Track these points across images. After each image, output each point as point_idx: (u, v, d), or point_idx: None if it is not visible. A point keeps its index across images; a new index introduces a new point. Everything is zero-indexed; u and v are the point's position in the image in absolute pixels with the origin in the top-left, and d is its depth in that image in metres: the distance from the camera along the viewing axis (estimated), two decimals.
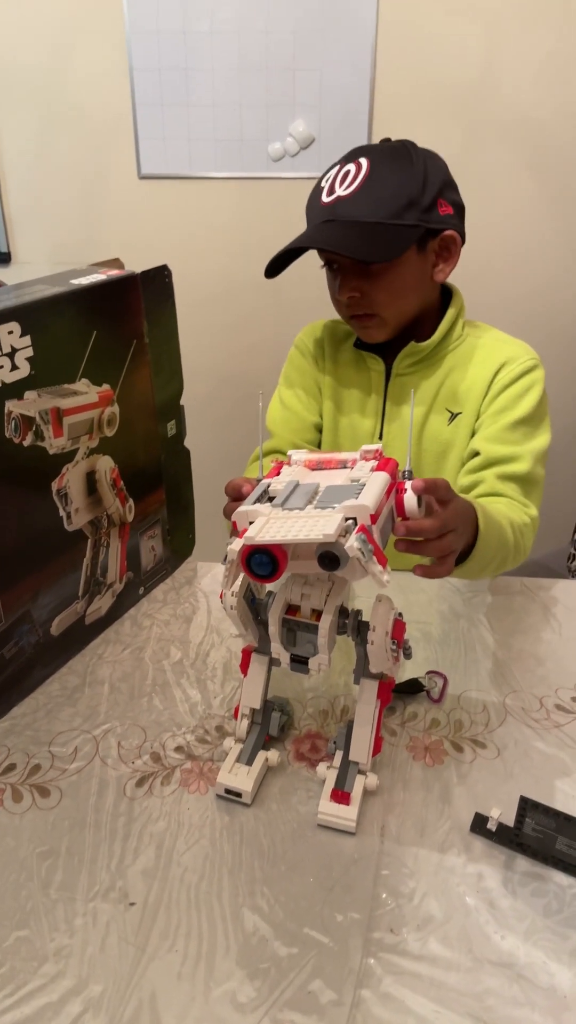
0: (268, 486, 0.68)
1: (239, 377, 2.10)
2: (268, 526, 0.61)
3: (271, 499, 0.66)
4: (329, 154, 1.86)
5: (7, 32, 1.80)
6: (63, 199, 1.96)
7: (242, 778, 0.77)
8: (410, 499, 0.68)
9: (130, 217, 1.97)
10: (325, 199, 0.97)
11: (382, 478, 0.66)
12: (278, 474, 0.71)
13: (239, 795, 0.77)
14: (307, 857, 0.72)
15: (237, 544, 0.62)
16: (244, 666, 0.81)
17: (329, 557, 0.59)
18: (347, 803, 0.75)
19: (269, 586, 0.77)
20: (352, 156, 0.97)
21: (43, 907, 0.68)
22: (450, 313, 1.07)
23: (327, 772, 0.78)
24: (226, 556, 0.63)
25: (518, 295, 1.91)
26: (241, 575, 0.72)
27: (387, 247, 0.95)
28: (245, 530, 0.63)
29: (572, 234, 1.94)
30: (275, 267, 1.04)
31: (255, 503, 0.65)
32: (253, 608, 0.77)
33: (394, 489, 0.68)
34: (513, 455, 1.03)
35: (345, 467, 0.71)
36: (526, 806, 0.70)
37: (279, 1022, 0.60)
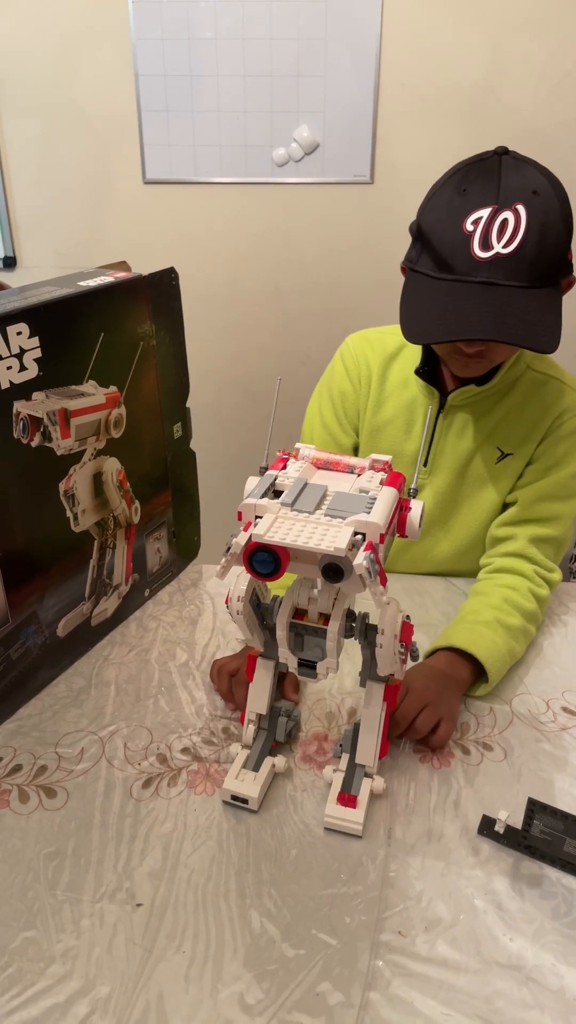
0: (275, 479, 0.68)
1: (244, 382, 2.10)
2: (277, 526, 0.61)
3: (277, 493, 0.66)
4: (334, 160, 1.87)
5: (13, 38, 1.81)
6: (68, 204, 1.96)
7: (248, 784, 0.77)
8: (412, 519, 0.68)
9: (135, 222, 1.97)
10: (480, 253, 0.84)
11: (391, 495, 0.66)
12: (284, 466, 0.70)
13: (245, 802, 0.76)
14: (314, 859, 0.72)
15: (242, 538, 0.61)
16: (250, 671, 0.81)
17: (333, 569, 0.59)
18: (354, 806, 0.74)
19: (274, 591, 0.78)
20: (503, 196, 0.84)
21: (50, 908, 0.68)
22: (513, 354, 1.00)
23: (333, 775, 0.78)
24: (228, 547, 0.63)
25: None
26: (246, 578, 0.72)
27: (554, 327, 0.86)
28: (250, 523, 0.63)
29: None
30: (428, 338, 0.94)
31: (262, 496, 0.65)
32: (258, 613, 0.76)
33: (399, 507, 0.68)
34: (552, 516, 1.03)
35: (353, 472, 0.71)
36: (534, 808, 0.70)
37: None
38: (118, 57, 1.81)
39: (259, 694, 0.80)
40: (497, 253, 0.84)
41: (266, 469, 0.70)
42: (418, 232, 0.92)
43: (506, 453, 1.04)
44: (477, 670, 0.90)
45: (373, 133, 1.85)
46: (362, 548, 0.60)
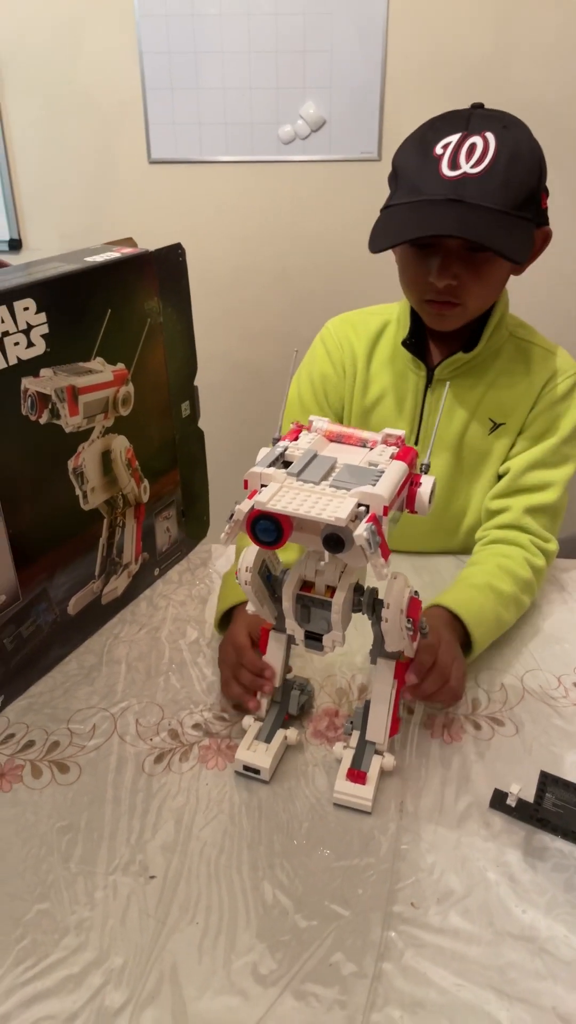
0: (285, 449, 0.67)
1: (250, 362, 2.09)
2: (280, 495, 0.61)
3: (286, 464, 0.66)
4: (340, 136, 1.85)
5: (17, 17, 1.79)
6: (73, 185, 1.95)
7: (260, 755, 0.77)
8: (423, 494, 0.67)
9: (140, 202, 1.96)
10: (448, 172, 0.85)
11: (400, 468, 0.65)
12: (296, 438, 0.70)
13: (257, 772, 0.77)
14: (326, 832, 0.72)
15: (246, 505, 0.61)
16: (263, 644, 0.81)
17: (335, 539, 0.58)
18: (363, 782, 0.74)
19: (283, 561, 0.77)
20: (472, 125, 0.86)
21: (64, 880, 0.68)
22: (495, 315, 1.00)
23: (344, 752, 0.78)
24: (232, 515, 0.63)
25: (534, 287, 1.89)
26: (255, 549, 0.71)
27: (521, 244, 0.87)
28: (255, 492, 0.62)
29: None
30: (388, 242, 0.91)
31: (270, 465, 0.65)
32: (269, 585, 0.76)
33: (409, 481, 0.67)
34: (544, 483, 1.02)
35: (365, 446, 0.70)
36: (546, 781, 0.69)
37: (301, 993, 0.60)
38: (122, 34, 1.79)
39: (273, 667, 0.80)
40: (465, 172, 0.85)
41: (277, 439, 0.69)
42: (392, 173, 0.94)
43: (498, 423, 1.04)
44: (464, 632, 0.89)
45: (380, 109, 1.82)
46: (365, 519, 0.59)
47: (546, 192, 0.92)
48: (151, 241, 0.98)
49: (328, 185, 1.90)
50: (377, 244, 0.89)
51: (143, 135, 1.89)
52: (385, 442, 0.69)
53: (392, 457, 0.67)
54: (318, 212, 1.93)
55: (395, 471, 0.64)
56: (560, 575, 1.10)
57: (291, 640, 0.79)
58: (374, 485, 0.61)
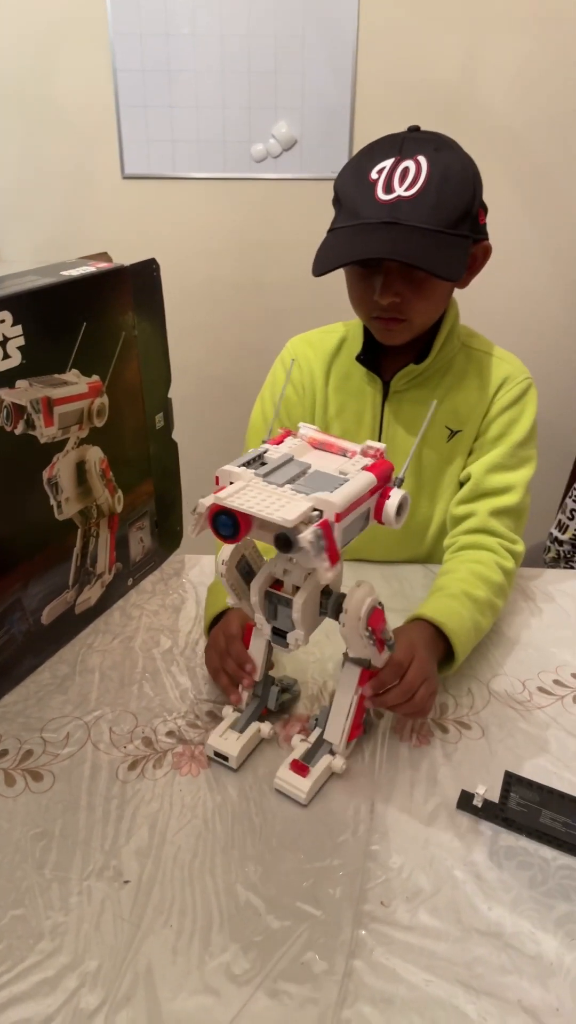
0: (266, 451, 0.70)
1: (224, 376, 2.11)
2: (241, 493, 0.63)
3: (263, 464, 0.68)
4: (311, 156, 1.89)
5: None
6: (47, 199, 1.96)
7: (231, 743, 0.80)
8: (389, 507, 0.69)
9: (114, 217, 1.98)
10: (383, 196, 0.89)
11: (366, 479, 0.67)
12: (281, 442, 0.73)
13: (226, 759, 0.79)
14: (298, 834, 0.74)
15: (209, 500, 0.64)
16: (246, 640, 0.83)
17: (284, 540, 0.61)
18: (304, 775, 0.77)
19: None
20: (405, 150, 0.90)
21: (38, 887, 0.69)
22: (444, 327, 1.03)
23: (299, 744, 0.80)
24: (195, 508, 0.66)
25: (494, 301, 1.94)
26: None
27: (455, 262, 0.91)
28: (222, 488, 0.65)
29: (548, 241, 1.97)
30: (328, 265, 0.94)
31: (242, 465, 0.67)
32: (247, 580, 0.78)
33: (378, 492, 0.69)
34: (506, 486, 1.05)
35: (344, 455, 0.72)
36: (511, 780, 0.72)
37: (274, 992, 0.61)
38: (96, 52, 1.82)
39: (254, 661, 0.83)
40: (399, 196, 0.89)
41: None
42: (335, 198, 0.99)
43: (455, 431, 1.07)
44: (447, 642, 0.91)
45: (351, 129, 1.87)
46: (315, 524, 0.61)
47: (484, 208, 0.96)
48: (124, 255, 1.00)
49: (299, 202, 1.93)
50: (319, 267, 0.94)
51: (117, 151, 1.91)
52: (364, 453, 0.71)
53: (364, 468, 0.69)
54: (289, 228, 1.96)
55: (359, 481, 0.66)
56: (525, 583, 1.13)
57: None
58: (331, 492, 0.63)
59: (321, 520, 0.62)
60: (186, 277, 2.00)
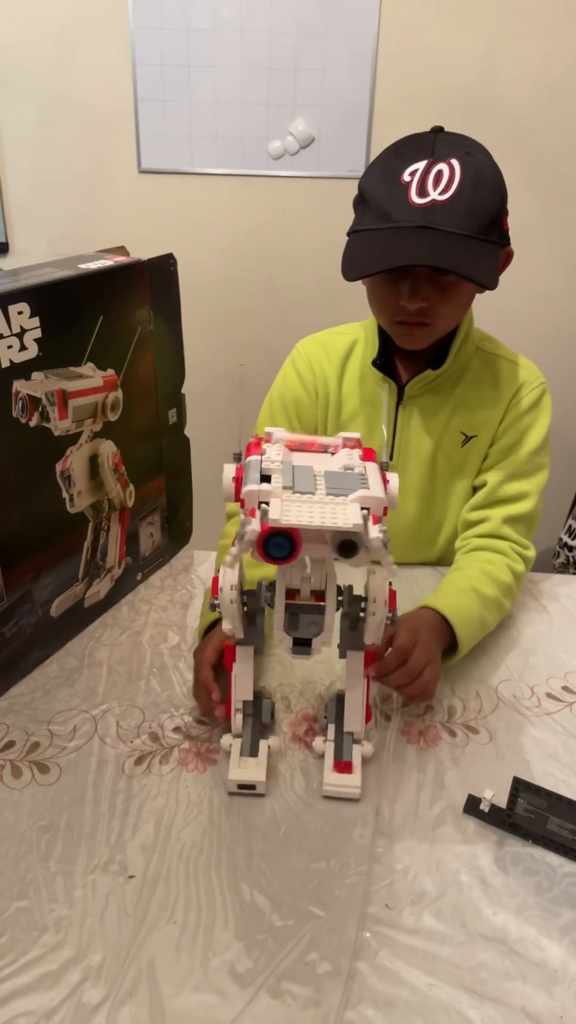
0: (260, 464, 0.66)
1: (235, 372, 2.11)
2: (289, 509, 0.60)
3: (265, 479, 0.65)
4: (329, 154, 1.88)
5: (11, 25, 1.80)
6: (63, 192, 1.96)
7: (253, 770, 0.77)
8: (392, 491, 0.68)
9: (129, 211, 1.97)
10: (417, 199, 0.87)
11: (376, 468, 0.67)
12: (258, 450, 0.69)
13: (253, 787, 0.77)
14: (304, 835, 0.74)
15: (256, 524, 0.59)
16: (228, 662, 0.80)
17: (349, 545, 0.59)
18: (350, 771, 0.77)
19: (249, 576, 0.78)
20: (438, 152, 0.89)
21: (43, 879, 0.69)
22: (461, 331, 1.02)
23: (325, 745, 0.79)
24: (243, 535, 0.59)
25: (510, 304, 1.93)
26: (236, 567, 0.72)
27: (490, 268, 0.90)
28: (254, 511, 0.61)
29: (567, 243, 1.97)
30: (364, 271, 0.93)
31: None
32: (241, 602, 0.77)
33: None
34: (520, 493, 1.05)
35: (327, 451, 0.71)
36: (519, 786, 0.71)
37: (277, 992, 0.61)
38: (116, 45, 1.81)
39: (243, 681, 0.80)
40: (433, 200, 0.88)
41: (240, 455, 0.69)
42: (359, 198, 0.96)
43: (470, 436, 1.06)
44: (452, 634, 0.91)
45: (368, 129, 1.86)
46: (371, 522, 0.60)
47: (507, 214, 0.95)
48: (139, 249, 0.99)
49: (315, 201, 1.93)
50: (353, 272, 0.92)
51: (134, 144, 1.90)
52: (346, 445, 0.71)
53: (362, 459, 0.68)
54: (305, 227, 1.95)
55: (375, 471, 0.66)
56: (534, 588, 1.13)
57: (257, 651, 0.80)
58: (367, 488, 0.63)
59: (373, 517, 0.60)
60: (200, 272, 1.99)
